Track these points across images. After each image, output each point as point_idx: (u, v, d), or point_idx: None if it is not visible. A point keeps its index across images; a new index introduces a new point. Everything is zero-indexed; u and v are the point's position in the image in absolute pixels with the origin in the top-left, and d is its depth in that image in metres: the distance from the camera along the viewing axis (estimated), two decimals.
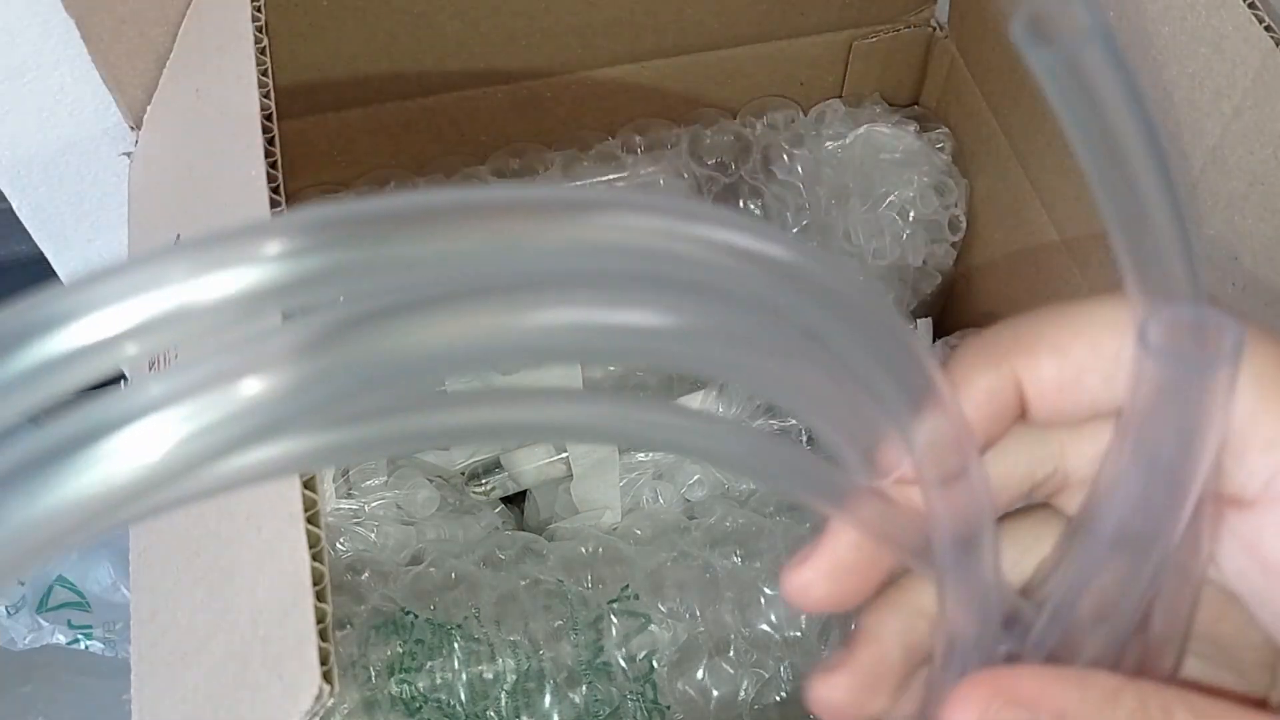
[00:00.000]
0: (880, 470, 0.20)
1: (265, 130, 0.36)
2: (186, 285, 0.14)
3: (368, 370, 0.14)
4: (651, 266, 0.15)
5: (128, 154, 0.51)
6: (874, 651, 0.22)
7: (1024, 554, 0.23)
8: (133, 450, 0.14)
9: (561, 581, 0.49)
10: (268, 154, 0.35)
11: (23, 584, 0.58)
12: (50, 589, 0.59)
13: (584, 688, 0.49)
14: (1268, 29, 0.40)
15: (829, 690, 0.22)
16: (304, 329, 0.14)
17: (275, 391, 0.14)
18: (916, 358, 0.19)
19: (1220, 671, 0.23)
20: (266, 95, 0.37)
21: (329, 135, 0.57)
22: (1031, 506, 0.23)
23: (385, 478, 0.52)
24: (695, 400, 0.60)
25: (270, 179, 0.34)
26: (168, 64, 0.47)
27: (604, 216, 0.15)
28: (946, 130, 0.63)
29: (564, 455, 0.56)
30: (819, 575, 0.21)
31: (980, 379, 0.20)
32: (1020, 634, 0.22)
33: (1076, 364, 0.20)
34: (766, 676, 0.49)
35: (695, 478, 0.55)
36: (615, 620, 0.50)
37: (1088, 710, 0.19)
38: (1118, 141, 0.17)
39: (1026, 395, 0.21)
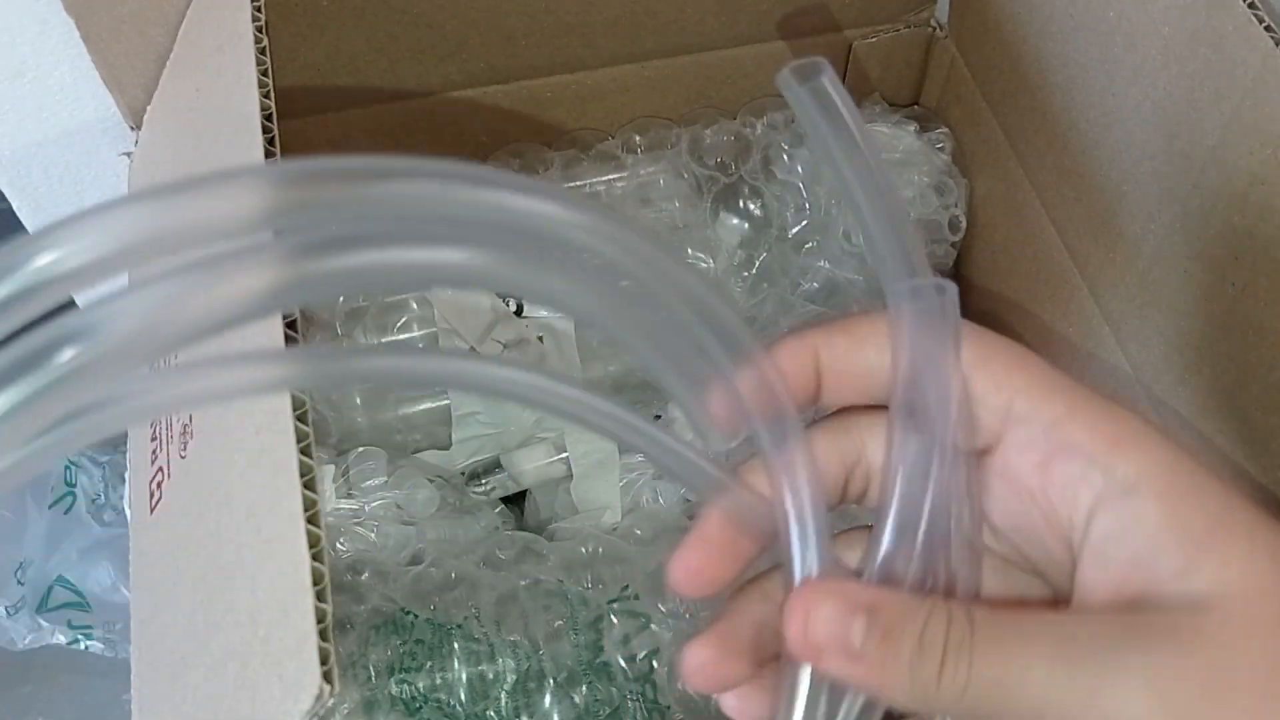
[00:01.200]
0: (718, 422, 0.26)
1: (265, 130, 0.36)
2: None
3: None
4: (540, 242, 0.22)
5: (128, 154, 0.51)
6: (729, 625, 0.27)
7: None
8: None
9: (561, 581, 0.49)
10: (268, 154, 0.35)
11: (22, 584, 0.58)
12: (50, 589, 0.59)
13: (584, 688, 0.49)
14: (1267, 29, 0.40)
15: (691, 655, 0.27)
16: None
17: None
18: (734, 321, 0.25)
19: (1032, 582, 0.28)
20: (266, 95, 0.37)
21: (329, 135, 0.57)
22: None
23: (385, 478, 0.52)
24: None
25: None
26: (168, 64, 0.47)
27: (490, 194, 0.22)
28: (946, 130, 0.63)
29: (564, 456, 0.56)
30: (696, 555, 0.27)
31: (786, 346, 0.26)
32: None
33: (865, 359, 0.26)
34: None
35: None
36: (615, 620, 0.50)
37: (900, 605, 0.25)
38: (850, 164, 0.27)
39: (821, 370, 0.26)
